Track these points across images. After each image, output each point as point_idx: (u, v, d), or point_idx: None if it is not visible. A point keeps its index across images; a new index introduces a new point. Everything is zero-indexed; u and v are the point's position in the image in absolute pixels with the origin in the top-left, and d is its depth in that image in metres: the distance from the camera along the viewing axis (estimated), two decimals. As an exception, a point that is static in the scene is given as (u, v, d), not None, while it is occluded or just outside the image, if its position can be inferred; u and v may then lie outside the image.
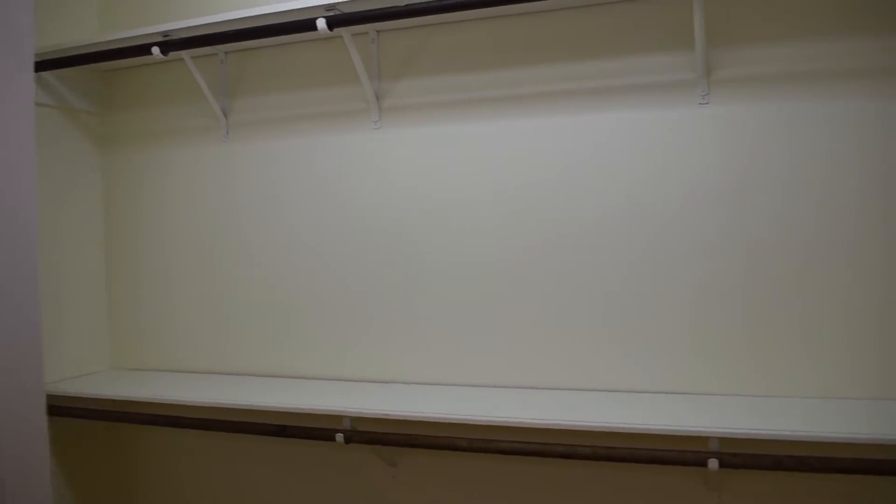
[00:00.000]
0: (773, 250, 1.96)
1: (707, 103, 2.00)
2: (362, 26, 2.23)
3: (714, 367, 2.02)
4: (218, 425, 2.32)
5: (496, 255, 2.24)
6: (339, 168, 2.43)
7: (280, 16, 2.16)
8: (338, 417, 2.15)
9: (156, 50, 2.30)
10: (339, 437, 2.15)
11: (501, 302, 2.23)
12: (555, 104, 2.16)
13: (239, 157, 2.57)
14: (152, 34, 2.31)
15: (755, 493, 1.97)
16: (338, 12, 2.11)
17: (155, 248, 2.72)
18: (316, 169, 2.46)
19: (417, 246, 2.33)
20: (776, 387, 1.96)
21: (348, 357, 2.43)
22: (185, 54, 2.37)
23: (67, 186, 2.65)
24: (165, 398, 2.32)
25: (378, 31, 2.33)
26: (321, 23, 2.09)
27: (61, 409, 2.44)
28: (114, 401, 2.44)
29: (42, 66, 2.36)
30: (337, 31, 2.13)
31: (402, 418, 2.05)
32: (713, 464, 1.77)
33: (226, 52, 2.55)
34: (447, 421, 1.98)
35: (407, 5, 2.04)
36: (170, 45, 2.31)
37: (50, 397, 2.28)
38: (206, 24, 2.24)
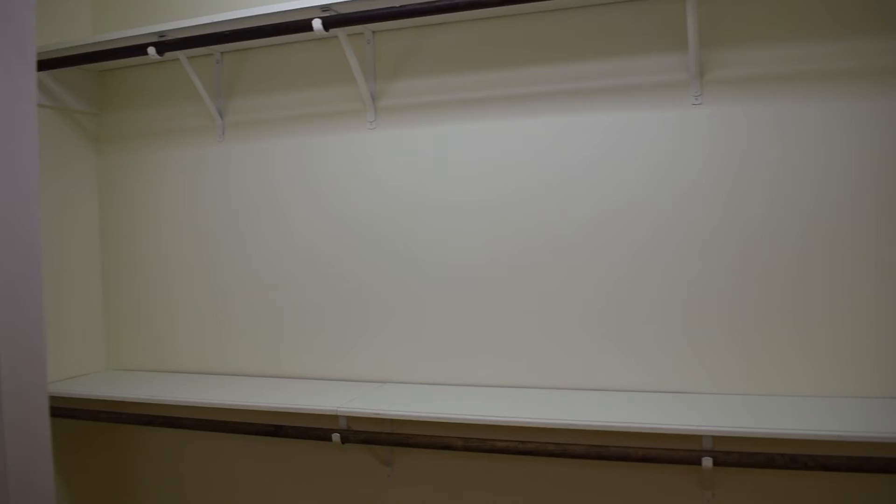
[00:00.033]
0: (766, 250, 1.97)
1: (700, 104, 2.02)
2: (358, 27, 2.23)
3: (708, 366, 2.03)
4: (214, 425, 2.32)
5: (490, 254, 2.24)
6: (335, 168, 2.43)
7: (276, 16, 2.16)
8: (333, 417, 2.15)
9: (151, 50, 2.30)
10: (335, 436, 2.15)
11: (496, 302, 2.24)
12: (549, 105, 2.17)
13: (234, 157, 2.57)
14: (148, 34, 2.31)
15: (749, 490, 1.98)
16: (333, 13, 2.11)
17: (150, 249, 2.71)
18: (312, 169, 2.46)
19: (413, 246, 2.34)
20: (770, 385, 1.97)
21: (344, 357, 2.43)
22: (180, 54, 2.38)
23: (63, 186, 2.65)
24: (161, 399, 2.32)
25: (374, 32, 2.34)
26: (317, 23, 2.09)
27: (57, 409, 2.42)
28: (109, 401, 2.44)
29: (38, 66, 2.34)
30: (333, 31, 2.14)
31: (397, 418, 2.06)
32: (707, 462, 1.79)
33: (221, 53, 2.55)
34: (443, 420, 1.99)
35: (403, 6, 2.05)
36: (165, 45, 2.31)
37: (46, 398, 2.28)
38: (201, 25, 2.24)
